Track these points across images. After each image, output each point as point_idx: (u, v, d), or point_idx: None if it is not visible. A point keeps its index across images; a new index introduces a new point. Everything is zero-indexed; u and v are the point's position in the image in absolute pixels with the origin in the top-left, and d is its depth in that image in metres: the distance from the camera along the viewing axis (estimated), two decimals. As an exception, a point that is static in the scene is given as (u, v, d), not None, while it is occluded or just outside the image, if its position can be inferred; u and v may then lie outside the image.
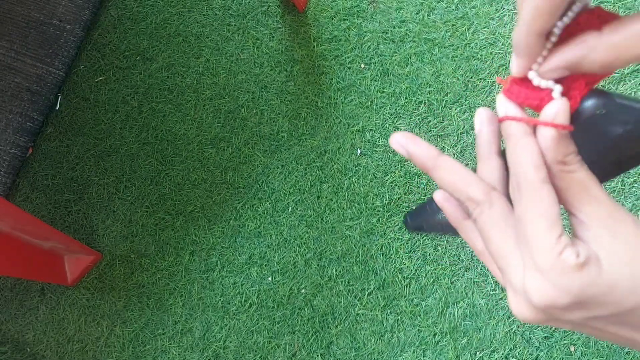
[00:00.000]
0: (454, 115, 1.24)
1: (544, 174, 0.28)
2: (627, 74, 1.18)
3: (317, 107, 1.30)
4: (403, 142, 0.32)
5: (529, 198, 0.28)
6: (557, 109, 0.28)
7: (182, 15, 1.40)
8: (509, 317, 1.14)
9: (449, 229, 0.34)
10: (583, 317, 0.27)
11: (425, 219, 0.35)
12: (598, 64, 0.26)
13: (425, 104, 1.26)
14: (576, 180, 0.27)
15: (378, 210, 1.22)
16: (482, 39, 1.27)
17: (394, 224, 1.21)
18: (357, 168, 1.25)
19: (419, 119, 1.25)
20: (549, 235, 0.26)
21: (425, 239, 1.20)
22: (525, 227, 0.27)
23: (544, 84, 0.29)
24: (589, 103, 0.28)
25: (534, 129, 0.29)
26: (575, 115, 0.28)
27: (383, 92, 1.28)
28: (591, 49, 0.26)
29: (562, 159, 0.28)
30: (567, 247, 0.26)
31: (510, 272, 0.28)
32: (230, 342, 1.22)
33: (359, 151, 1.26)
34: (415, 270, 1.19)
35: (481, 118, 0.32)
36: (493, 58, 1.26)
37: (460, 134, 1.23)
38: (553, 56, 0.28)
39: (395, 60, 1.29)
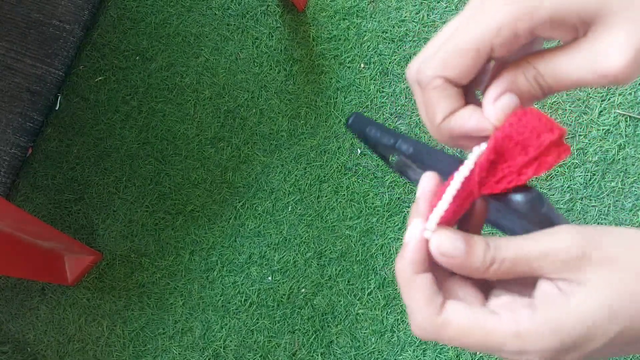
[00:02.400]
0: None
1: (436, 306, 0.28)
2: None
3: (316, 106, 1.30)
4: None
5: (402, 290, 0.29)
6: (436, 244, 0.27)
7: (182, 15, 1.40)
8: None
9: (382, 152, 0.35)
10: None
11: (366, 132, 0.34)
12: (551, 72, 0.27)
13: (425, 103, 1.25)
14: (508, 273, 0.27)
15: (378, 210, 1.22)
16: (482, 38, 1.27)
17: (394, 223, 1.21)
18: (357, 167, 1.25)
19: (418, 119, 1.25)
20: (484, 334, 0.27)
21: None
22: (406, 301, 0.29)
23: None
24: (518, 198, 0.28)
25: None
26: (505, 199, 0.28)
27: (383, 91, 1.28)
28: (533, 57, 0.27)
29: (471, 274, 0.28)
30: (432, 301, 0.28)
31: None
32: (231, 341, 1.23)
33: (359, 151, 1.26)
34: (415, 269, 1.19)
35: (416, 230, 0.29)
36: (493, 57, 1.26)
37: (460, 133, 1.23)
38: (489, 88, 0.28)
39: (395, 59, 1.29)
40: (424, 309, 0.27)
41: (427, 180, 0.29)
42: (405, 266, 0.28)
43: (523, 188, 0.28)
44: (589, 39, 0.26)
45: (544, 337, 0.25)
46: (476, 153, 0.28)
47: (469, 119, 0.28)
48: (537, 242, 0.26)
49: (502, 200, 0.28)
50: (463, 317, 0.27)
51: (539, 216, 0.28)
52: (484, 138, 0.28)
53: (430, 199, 0.29)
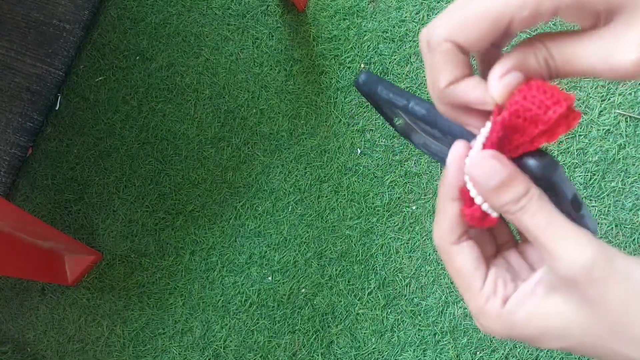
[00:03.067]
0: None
1: (455, 236, 0.30)
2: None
3: (317, 106, 1.30)
4: None
5: (444, 257, 0.31)
6: (471, 162, 0.28)
7: (182, 15, 1.40)
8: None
9: (387, 112, 0.35)
10: (532, 346, 0.29)
11: (377, 91, 0.34)
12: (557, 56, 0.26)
13: (425, 103, 1.25)
14: (523, 228, 0.28)
15: (378, 210, 1.22)
16: (482, 38, 1.27)
17: (394, 223, 1.21)
18: (357, 167, 1.25)
19: (418, 118, 1.25)
20: (469, 290, 0.30)
21: (425, 240, 1.20)
22: (455, 282, 0.31)
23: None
24: (531, 163, 0.28)
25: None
26: (519, 162, 0.28)
27: (383, 91, 1.27)
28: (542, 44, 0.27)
29: (499, 209, 0.28)
30: (489, 298, 0.29)
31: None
32: (231, 341, 1.22)
33: (359, 151, 1.26)
34: (416, 269, 1.19)
35: (457, 156, 0.31)
36: (493, 57, 1.26)
37: (460, 133, 1.23)
38: (498, 63, 0.27)
39: (395, 59, 1.29)
40: (442, 232, 0.31)
41: (459, 146, 0.30)
42: (443, 190, 0.30)
43: (538, 153, 0.28)
44: (609, 29, 0.25)
45: (494, 325, 0.29)
46: (484, 133, 0.28)
47: (472, 89, 0.27)
48: (570, 233, 0.27)
49: (517, 164, 0.28)
50: (466, 262, 0.30)
51: (549, 183, 0.28)
52: (484, 113, 0.28)
53: (461, 165, 0.29)
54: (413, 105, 0.32)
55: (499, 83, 0.27)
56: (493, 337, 1.14)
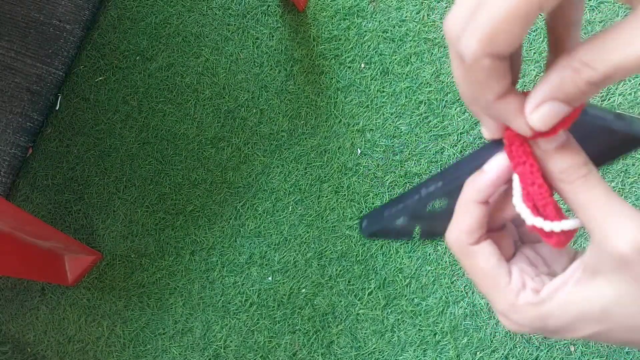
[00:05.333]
0: (454, 115, 1.24)
1: (475, 237, 0.30)
2: (627, 73, 1.18)
3: (317, 106, 1.30)
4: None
5: (464, 260, 0.31)
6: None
7: (182, 15, 1.40)
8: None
9: (405, 235, 0.34)
10: (561, 338, 0.29)
11: (383, 225, 0.34)
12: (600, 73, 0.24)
13: (425, 103, 1.25)
14: (578, 202, 0.27)
15: (378, 210, 1.22)
16: (482, 38, 1.27)
17: (394, 223, 1.21)
18: (357, 167, 1.25)
19: (419, 118, 1.25)
20: (496, 289, 0.30)
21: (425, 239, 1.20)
22: (478, 284, 0.31)
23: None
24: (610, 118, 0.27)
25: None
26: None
27: (383, 91, 1.28)
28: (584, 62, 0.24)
29: (558, 176, 0.27)
30: (519, 293, 0.29)
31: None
32: (231, 341, 1.22)
33: (359, 151, 1.26)
34: (416, 269, 1.19)
35: (499, 163, 0.30)
36: (493, 57, 1.26)
37: (460, 133, 1.23)
38: (536, 87, 0.26)
39: (395, 59, 1.29)
40: (462, 233, 0.30)
41: (503, 157, 0.29)
42: (470, 191, 0.30)
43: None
44: None
45: (528, 318, 0.29)
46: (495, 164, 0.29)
47: (514, 116, 0.26)
48: (627, 211, 0.26)
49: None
50: (486, 261, 0.30)
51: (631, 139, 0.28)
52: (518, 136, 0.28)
53: (502, 174, 0.29)
54: (426, 188, 0.32)
55: (532, 116, 0.26)
56: (494, 337, 1.14)
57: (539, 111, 0.25)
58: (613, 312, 0.26)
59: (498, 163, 0.29)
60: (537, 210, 0.29)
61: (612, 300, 0.26)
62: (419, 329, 1.16)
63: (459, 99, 1.25)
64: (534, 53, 1.24)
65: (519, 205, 0.29)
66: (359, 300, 1.20)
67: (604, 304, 0.26)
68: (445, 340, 1.15)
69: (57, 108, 1.39)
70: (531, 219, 0.28)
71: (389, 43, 1.30)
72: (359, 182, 1.24)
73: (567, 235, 0.29)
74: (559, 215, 0.28)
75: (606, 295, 0.26)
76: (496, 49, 0.23)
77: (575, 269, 0.28)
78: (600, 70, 0.23)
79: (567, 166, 0.27)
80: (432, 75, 1.26)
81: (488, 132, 0.29)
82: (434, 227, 0.34)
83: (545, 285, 0.29)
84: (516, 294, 0.29)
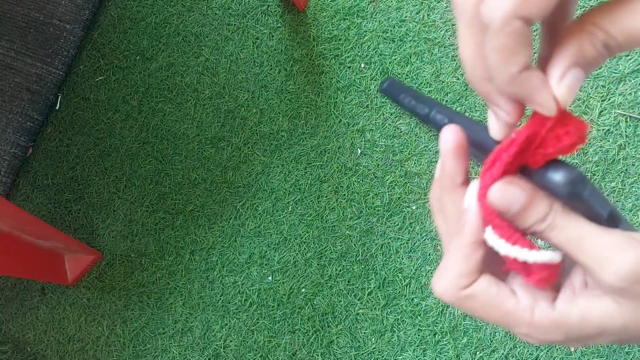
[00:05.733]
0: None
1: (472, 279, 0.28)
2: (628, 73, 1.18)
3: (317, 106, 1.30)
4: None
5: (465, 305, 0.29)
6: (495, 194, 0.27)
7: (182, 15, 1.40)
8: (509, 317, 1.14)
9: (413, 114, 0.33)
10: (581, 346, 0.29)
11: (397, 99, 0.33)
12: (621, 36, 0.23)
13: (425, 103, 1.25)
14: (556, 245, 0.27)
15: (378, 210, 1.22)
16: (482, 38, 1.27)
17: (394, 223, 1.21)
18: (357, 167, 1.25)
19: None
20: (508, 316, 0.28)
21: (425, 240, 1.20)
22: (492, 318, 0.29)
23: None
24: (557, 178, 0.26)
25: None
26: (542, 179, 0.26)
27: (383, 91, 1.28)
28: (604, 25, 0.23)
29: (527, 231, 0.27)
30: (534, 308, 0.27)
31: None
32: (231, 341, 1.22)
33: (359, 150, 1.26)
34: (416, 269, 1.19)
35: (447, 142, 0.28)
36: (493, 57, 1.26)
37: (460, 133, 1.23)
38: (552, 62, 0.24)
39: (395, 59, 1.29)
40: (455, 278, 0.28)
41: (450, 133, 0.28)
42: (470, 232, 0.28)
43: (563, 166, 0.26)
44: None
45: (550, 333, 0.27)
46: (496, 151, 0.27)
47: (540, 89, 0.24)
48: (604, 240, 0.25)
49: (540, 181, 0.26)
50: (486, 295, 0.28)
51: (580, 202, 0.26)
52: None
53: (457, 154, 0.28)
54: (435, 114, 0.30)
55: (560, 86, 0.24)
56: (493, 337, 1.14)
57: (565, 80, 0.24)
58: (632, 327, 0.26)
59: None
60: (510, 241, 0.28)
61: (629, 319, 0.26)
62: (419, 329, 1.16)
63: (459, 99, 1.25)
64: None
65: (491, 237, 0.28)
66: (358, 300, 1.20)
67: (623, 320, 0.26)
68: (445, 340, 1.15)
69: (57, 108, 1.39)
70: (506, 249, 0.27)
71: (389, 43, 1.30)
72: (358, 182, 1.24)
73: (551, 270, 0.28)
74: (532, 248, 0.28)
75: (624, 312, 0.26)
76: (530, 10, 0.22)
77: (581, 284, 0.27)
78: (614, 33, 0.23)
79: (532, 223, 0.27)
80: (432, 75, 1.26)
81: (501, 119, 0.27)
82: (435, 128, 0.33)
83: (559, 296, 0.28)
84: (530, 311, 0.27)
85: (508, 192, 0.26)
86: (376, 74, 1.29)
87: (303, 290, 1.22)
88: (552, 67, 0.24)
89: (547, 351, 1.12)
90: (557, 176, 0.26)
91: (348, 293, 1.20)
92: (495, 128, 0.27)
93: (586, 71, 0.24)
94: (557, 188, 0.26)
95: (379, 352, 1.17)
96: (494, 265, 0.29)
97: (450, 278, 0.28)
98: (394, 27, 1.30)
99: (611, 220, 0.27)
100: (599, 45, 0.23)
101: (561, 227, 0.26)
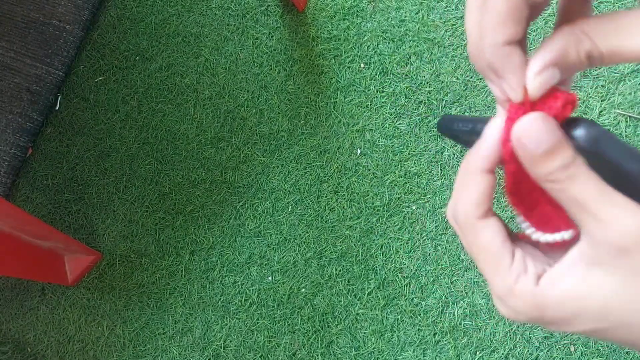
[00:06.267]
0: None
1: (482, 210, 0.28)
2: (627, 73, 1.18)
3: (316, 106, 1.30)
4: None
5: (467, 233, 0.28)
6: (524, 127, 0.26)
7: (181, 15, 1.40)
8: (509, 317, 1.14)
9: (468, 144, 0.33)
10: (558, 331, 0.27)
11: (457, 132, 0.32)
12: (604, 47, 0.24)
13: (425, 103, 1.25)
14: (569, 198, 0.26)
15: (378, 210, 1.22)
16: (482, 38, 1.27)
17: (394, 223, 1.21)
18: (356, 167, 1.25)
19: (419, 118, 1.25)
20: (496, 268, 0.27)
21: (425, 240, 1.20)
22: (478, 260, 0.28)
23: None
24: (580, 133, 0.25)
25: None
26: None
27: (383, 91, 1.28)
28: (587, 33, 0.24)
29: (545, 178, 0.26)
30: (520, 277, 0.27)
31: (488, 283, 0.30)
32: (231, 341, 1.22)
33: (359, 151, 1.26)
34: (415, 269, 1.19)
35: (496, 128, 0.28)
36: (493, 57, 1.26)
37: (460, 133, 1.23)
38: (537, 54, 0.25)
39: (394, 59, 1.29)
40: (469, 205, 0.28)
41: (499, 120, 0.27)
42: (475, 160, 0.28)
43: (584, 121, 0.25)
44: None
45: (524, 307, 0.27)
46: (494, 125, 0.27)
47: (514, 71, 0.25)
48: (619, 201, 0.25)
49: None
50: (492, 240, 0.27)
51: (605, 160, 0.25)
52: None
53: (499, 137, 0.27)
54: (480, 127, 0.29)
55: (534, 79, 0.25)
56: (493, 337, 1.14)
57: (542, 76, 0.25)
58: (612, 308, 0.25)
59: (497, 126, 0.27)
60: (529, 211, 0.27)
61: (611, 296, 0.25)
62: (419, 329, 1.16)
63: (458, 99, 1.25)
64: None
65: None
66: (358, 300, 1.20)
67: (603, 300, 0.25)
68: (445, 340, 1.15)
69: (57, 108, 1.40)
70: (522, 224, 0.27)
71: (389, 43, 1.30)
72: (358, 182, 1.24)
73: (562, 245, 0.27)
74: (556, 216, 0.27)
75: (605, 290, 0.25)
76: None
77: (572, 260, 0.26)
78: (600, 46, 0.24)
79: (554, 169, 0.26)
80: (432, 75, 1.26)
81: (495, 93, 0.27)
82: None
83: (546, 272, 0.27)
84: (516, 278, 0.27)
85: (540, 128, 0.25)
86: (376, 74, 1.29)
87: (303, 290, 1.22)
88: (535, 59, 0.25)
89: (547, 351, 1.12)
90: (579, 131, 0.25)
91: (348, 293, 1.20)
92: (498, 94, 0.28)
93: (563, 73, 0.25)
94: (579, 143, 0.25)
95: (379, 352, 1.17)
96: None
97: (463, 203, 0.28)
98: (394, 27, 1.30)
99: None
100: (582, 53, 0.24)
101: (582, 180, 0.25)
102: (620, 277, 0.25)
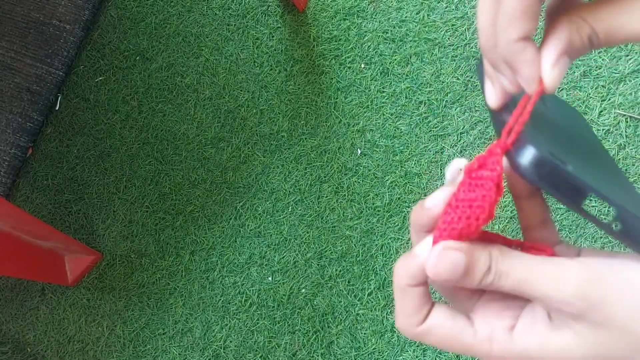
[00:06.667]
0: (454, 115, 1.24)
1: (423, 315, 0.28)
2: (628, 74, 1.18)
3: (317, 106, 1.30)
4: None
5: (424, 340, 0.29)
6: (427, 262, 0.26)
7: (182, 15, 1.40)
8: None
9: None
10: None
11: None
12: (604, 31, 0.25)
13: (425, 103, 1.26)
14: (509, 291, 0.26)
15: (378, 210, 1.22)
16: (482, 39, 1.27)
17: (394, 223, 1.21)
18: (357, 168, 1.25)
19: (419, 119, 1.25)
20: (468, 348, 0.28)
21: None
22: (452, 350, 0.29)
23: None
24: (522, 161, 0.24)
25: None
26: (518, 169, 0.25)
27: (383, 91, 1.28)
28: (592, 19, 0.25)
29: (480, 287, 0.27)
30: (492, 340, 0.27)
31: None
32: (231, 341, 1.22)
33: (359, 151, 1.26)
34: (416, 270, 1.19)
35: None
36: (493, 57, 1.26)
37: (460, 134, 1.23)
38: (547, 46, 0.26)
39: (395, 59, 1.29)
40: (407, 317, 0.28)
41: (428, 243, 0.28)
42: (403, 277, 0.28)
43: (528, 142, 0.25)
44: None
45: (508, 355, 0.27)
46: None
47: (529, 64, 0.26)
48: (546, 273, 0.25)
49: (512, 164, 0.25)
50: (442, 329, 0.28)
51: (558, 182, 0.24)
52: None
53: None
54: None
55: (552, 71, 0.26)
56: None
57: (558, 67, 0.26)
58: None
59: (426, 246, 0.28)
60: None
61: (590, 352, 0.26)
62: (419, 329, 1.16)
63: (459, 99, 1.25)
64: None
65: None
66: (358, 300, 1.20)
67: (583, 354, 0.26)
68: (445, 341, 1.15)
69: (57, 108, 1.39)
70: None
71: (389, 43, 1.30)
72: (359, 182, 1.24)
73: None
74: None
75: (583, 345, 0.26)
76: None
77: (540, 317, 0.27)
78: (597, 28, 0.25)
79: (480, 279, 0.26)
80: (432, 75, 1.26)
81: (501, 85, 0.28)
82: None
83: (519, 319, 0.28)
84: (489, 342, 0.27)
85: (449, 258, 0.26)
86: (376, 74, 1.29)
87: (303, 290, 1.22)
88: (547, 51, 0.26)
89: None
90: (521, 158, 0.24)
91: (348, 293, 1.20)
92: (492, 94, 0.29)
93: (571, 60, 0.26)
94: (522, 172, 0.24)
95: (379, 352, 1.17)
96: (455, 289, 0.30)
97: (402, 317, 0.28)
98: (394, 27, 1.30)
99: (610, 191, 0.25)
100: (585, 37, 0.25)
101: (507, 272, 0.26)
102: (590, 336, 0.25)
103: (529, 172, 0.24)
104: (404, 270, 0.28)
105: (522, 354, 0.27)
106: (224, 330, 1.23)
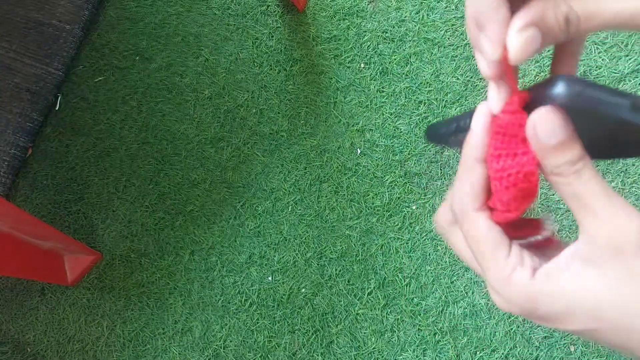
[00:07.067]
0: (453, 115, 1.24)
1: (478, 204, 0.28)
2: (627, 73, 1.18)
3: (316, 106, 1.30)
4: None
5: (465, 224, 0.28)
6: (536, 123, 0.26)
7: (181, 15, 1.40)
8: (509, 317, 1.14)
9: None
10: (548, 327, 0.27)
11: (444, 135, 0.32)
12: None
13: (425, 103, 1.25)
14: (571, 194, 0.26)
15: (378, 210, 1.22)
16: (482, 38, 1.27)
17: (394, 223, 1.21)
18: (356, 167, 1.25)
19: (418, 118, 1.25)
20: (493, 259, 0.27)
21: (425, 239, 1.20)
22: (475, 251, 0.28)
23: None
24: (559, 90, 0.25)
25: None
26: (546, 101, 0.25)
27: (383, 91, 1.27)
28: None
29: (552, 171, 0.26)
30: (516, 268, 0.27)
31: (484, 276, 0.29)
32: (231, 341, 1.22)
33: (359, 150, 1.26)
34: (415, 269, 1.19)
35: (481, 116, 0.28)
36: (493, 57, 1.25)
37: (460, 133, 1.23)
38: (517, 15, 0.25)
39: (394, 59, 1.29)
40: (467, 196, 0.28)
41: (485, 107, 0.28)
42: (474, 149, 0.28)
43: (561, 79, 0.25)
44: None
45: (518, 300, 0.27)
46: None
47: (496, 23, 0.25)
48: (620, 202, 0.25)
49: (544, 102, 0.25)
50: (485, 231, 0.27)
51: (589, 107, 0.25)
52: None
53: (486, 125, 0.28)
54: (464, 122, 0.29)
55: (516, 37, 0.25)
56: (493, 337, 1.14)
57: (524, 34, 0.25)
58: (603, 310, 0.25)
59: (482, 113, 0.28)
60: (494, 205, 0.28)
61: (603, 298, 0.25)
62: (419, 329, 1.16)
63: (458, 99, 1.25)
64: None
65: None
66: (358, 300, 1.20)
67: (595, 300, 0.25)
68: (445, 340, 1.15)
69: (56, 108, 1.39)
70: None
71: (389, 43, 1.30)
72: (358, 182, 1.24)
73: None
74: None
75: (598, 291, 0.25)
76: None
77: (568, 257, 0.26)
78: (576, 8, 0.24)
79: (563, 162, 0.26)
80: (432, 75, 1.26)
81: (486, 54, 0.27)
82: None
83: (542, 266, 0.27)
84: (512, 268, 0.27)
85: (555, 121, 0.25)
86: (376, 74, 1.29)
87: (303, 290, 1.22)
88: (516, 17, 0.25)
89: (547, 351, 1.12)
90: (558, 89, 0.25)
91: (348, 293, 1.20)
92: (484, 66, 0.28)
93: (542, 37, 0.25)
94: (555, 97, 0.25)
95: (379, 352, 1.17)
96: None
97: (460, 194, 0.28)
98: (394, 27, 1.30)
99: (635, 108, 0.25)
100: (560, 16, 0.25)
101: (587, 177, 0.25)
102: (614, 278, 0.24)
103: (567, 92, 0.24)
104: (468, 145, 0.28)
105: (534, 295, 0.26)
106: (223, 329, 1.23)
